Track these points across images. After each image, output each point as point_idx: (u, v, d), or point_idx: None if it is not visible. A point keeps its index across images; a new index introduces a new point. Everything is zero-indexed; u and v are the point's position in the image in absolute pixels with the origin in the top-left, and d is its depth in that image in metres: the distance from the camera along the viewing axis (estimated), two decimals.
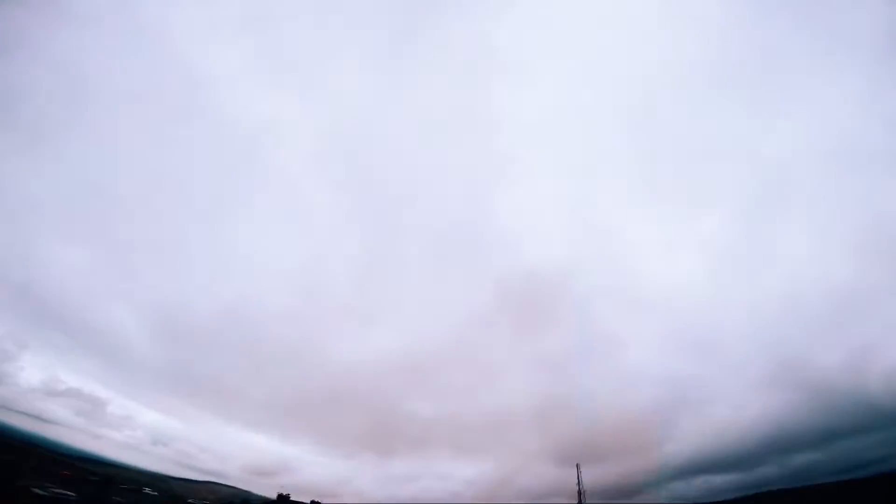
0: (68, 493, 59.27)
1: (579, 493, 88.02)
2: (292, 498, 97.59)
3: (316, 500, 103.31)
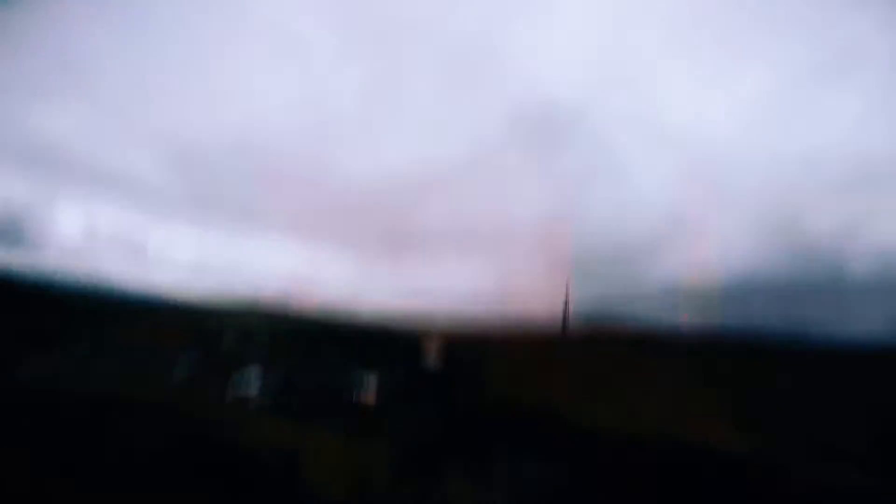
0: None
1: (566, 303, 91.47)
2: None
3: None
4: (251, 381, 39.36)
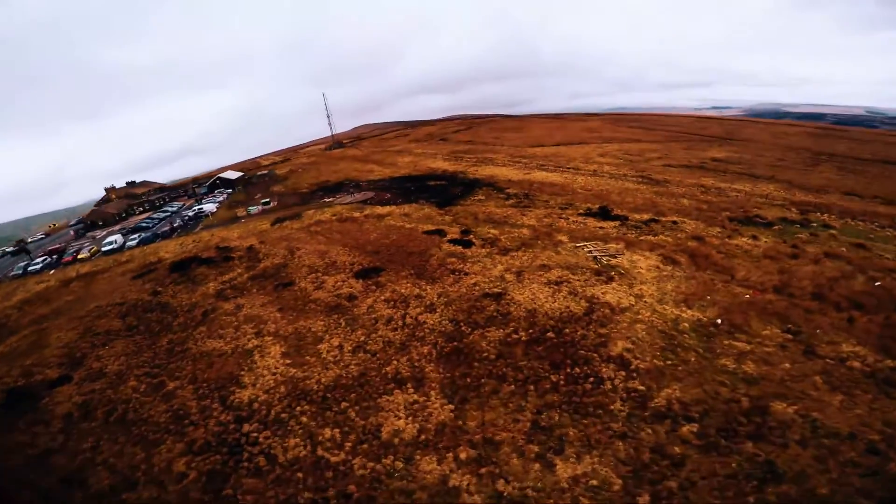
0: None
1: (328, 117, 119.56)
2: None
3: None
4: None
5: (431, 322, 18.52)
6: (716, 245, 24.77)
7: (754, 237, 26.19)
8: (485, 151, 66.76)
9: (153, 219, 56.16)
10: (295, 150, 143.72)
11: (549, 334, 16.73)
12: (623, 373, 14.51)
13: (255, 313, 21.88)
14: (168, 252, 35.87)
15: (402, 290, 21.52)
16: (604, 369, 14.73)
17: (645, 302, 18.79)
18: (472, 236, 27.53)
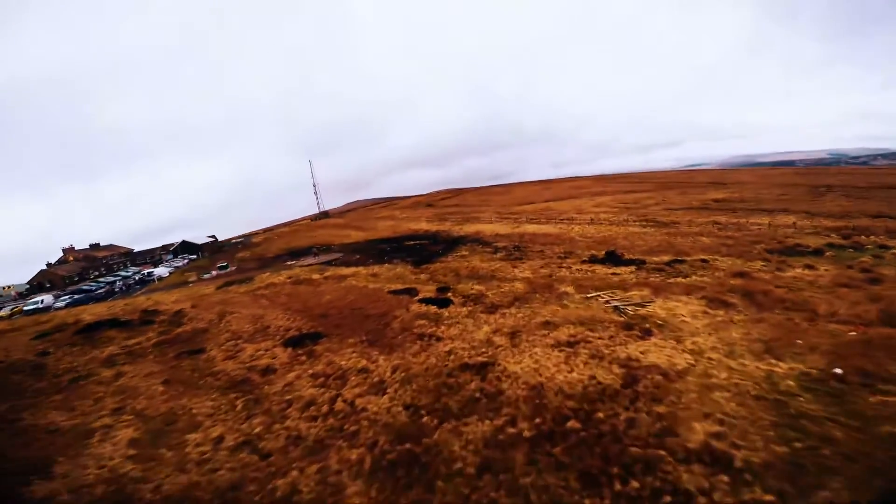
0: None
1: (314, 186, 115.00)
2: None
3: None
4: None
5: (375, 408, 11.70)
6: (768, 279, 19.14)
7: (810, 266, 20.95)
8: (471, 212, 63.05)
9: (101, 282, 50.26)
10: (286, 224, 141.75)
11: (572, 423, 10.03)
12: (725, 476, 7.78)
13: (132, 384, 15.90)
14: (91, 314, 30.65)
15: (342, 363, 14.85)
16: (686, 476, 7.97)
17: (710, 358, 12.46)
18: (450, 294, 21.46)
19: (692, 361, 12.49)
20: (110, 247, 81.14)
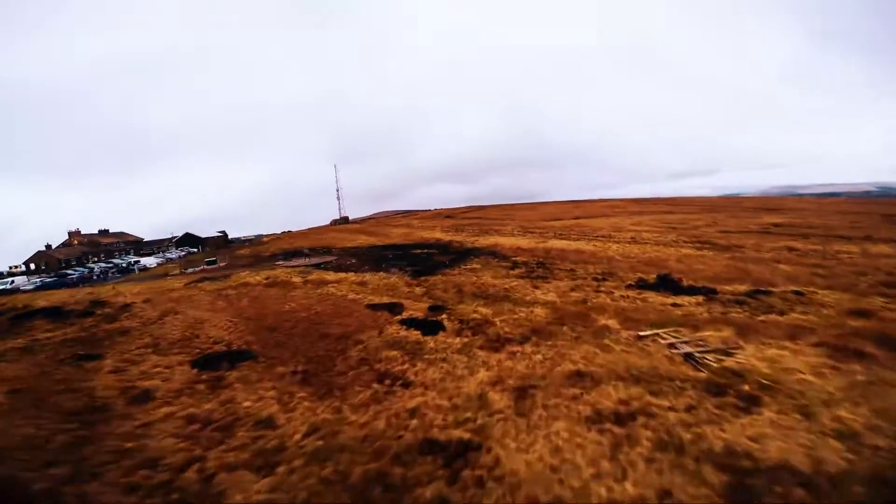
0: None
1: (337, 190, 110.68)
2: None
3: None
4: None
5: (238, 499, 6.34)
6: None
7: None
8: (491, 225, 57.46)
9: (88, 267, 47.62)
10: (308, 228, 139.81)
11: None
12: None
13: None
14: (47, 300, 27.47)
15: (245, 403, 9.53)
16: None
17: (877, 449, 6.57)
18: (444, 316, 15.86)
19: (850, 456, 6.61)
20: (120, 234, 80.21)
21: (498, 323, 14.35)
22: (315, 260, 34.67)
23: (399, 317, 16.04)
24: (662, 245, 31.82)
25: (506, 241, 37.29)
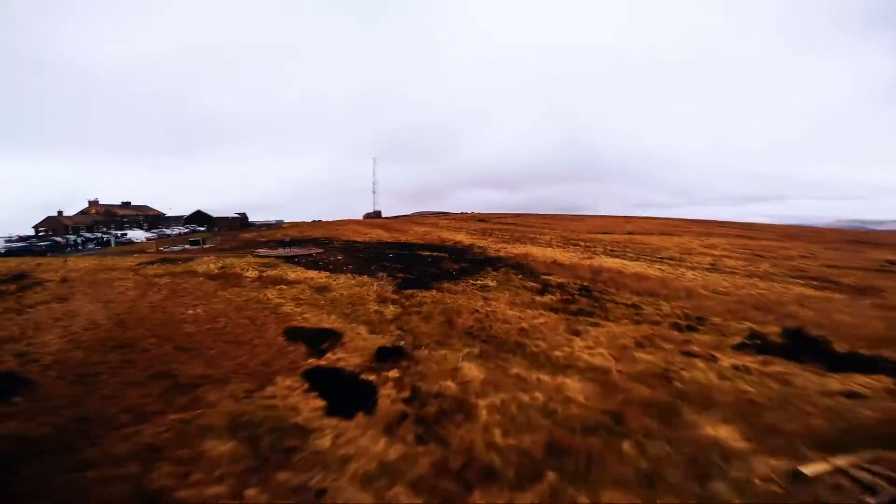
0: None
1: (374, 184, 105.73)
2: None
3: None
4: None
5: None
6: None
7: None
8: (526, 232, 49.42)
9: (83, 236, 44.78)
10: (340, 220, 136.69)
11: None
12: None
13: None
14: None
15: None
16: None
17: None
18: (394, 372, 8.47)
19: None
20: (142, 208, 79.48)
21: (484, 414, 6.92)
22: (297, 251, 28.45)
23: (317, 360, 9.01)
24: (758, 278, 22.86)
25: (540, 253, 29.37)
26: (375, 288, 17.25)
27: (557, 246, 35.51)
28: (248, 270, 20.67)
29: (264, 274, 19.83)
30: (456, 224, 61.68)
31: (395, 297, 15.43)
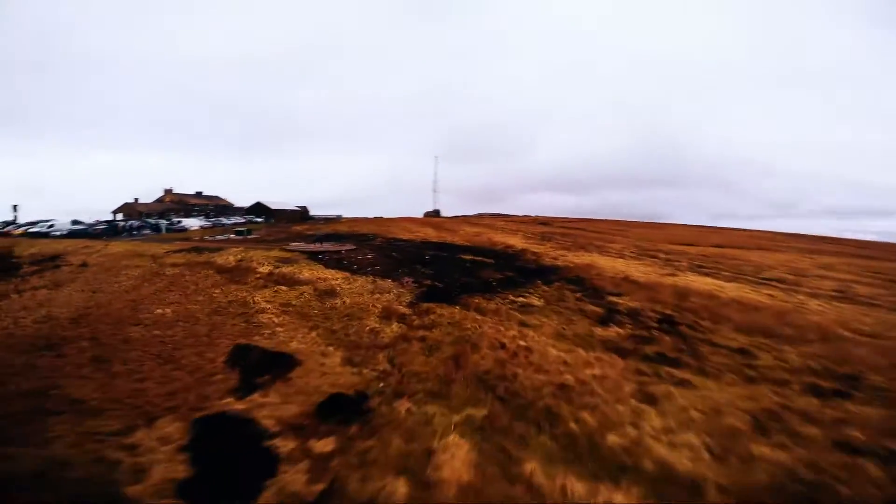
0: None
1: (434, 182, 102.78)
2: None
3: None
4: None
5: None
6: None
7: None
8: (594, 239, 43.90)
9: (147, 223, 47.81)
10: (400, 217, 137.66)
11: None
12: None
13: None
14: (33, 247, 25.31)
15: None
16: None
17: None
18: (331, 444, 5.38)
19: None
20: (212, 198, 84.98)
21: None
22: (328, 247, 26.36)
23: (236, 401, 6.06)
24: None
25: (608, 265, 24.55)
26: (390, 297, 14.18)
27: (631, 257, 30.16)
28: (263, 265, 18.66)
29: (276, 270, 17.65)
30: (513, 226, 57.41)
31: (407, 311, 12.20)
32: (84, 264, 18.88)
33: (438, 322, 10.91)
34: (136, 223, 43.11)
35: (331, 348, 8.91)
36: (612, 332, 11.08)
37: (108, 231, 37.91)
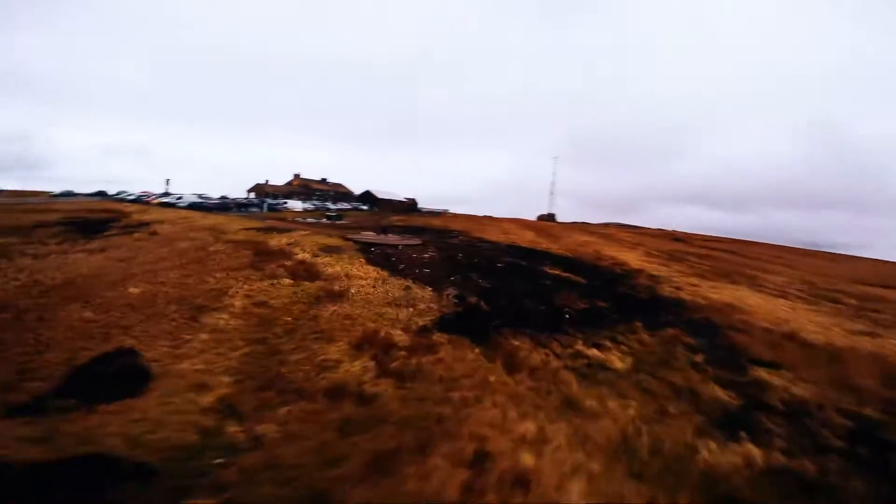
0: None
1: (552, 185, 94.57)
2: None
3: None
4: None
5: None
6: None
7: None
8: (743, 267, 33.80)
9: (264, 200, 53.61)
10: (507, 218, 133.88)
11: None
12: None
13: None
14: (151, 215, 28.51)
15: None
16: None
17: None
18: None
19: None
20: (336, 185, 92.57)
21: None
22: (387, 239, 23.76)
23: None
24: None
25: (761, 306, 16.99)
26: (409, 312, 10.55)
27: (797, 297, 21.26)
28: (304, 252, 16.69)
29: (310, 259, 15.43)
30: (635, 239, 48.66)
31: (407, 340, 8.41)
32: (153, 233, 19.40)
33: (423, 373, 6.89)
34: (244, 201, 48.39)
35: (225, 378, 5.71)
36: (743, 454, 5.65)
37: (220, 206, 42.39)
